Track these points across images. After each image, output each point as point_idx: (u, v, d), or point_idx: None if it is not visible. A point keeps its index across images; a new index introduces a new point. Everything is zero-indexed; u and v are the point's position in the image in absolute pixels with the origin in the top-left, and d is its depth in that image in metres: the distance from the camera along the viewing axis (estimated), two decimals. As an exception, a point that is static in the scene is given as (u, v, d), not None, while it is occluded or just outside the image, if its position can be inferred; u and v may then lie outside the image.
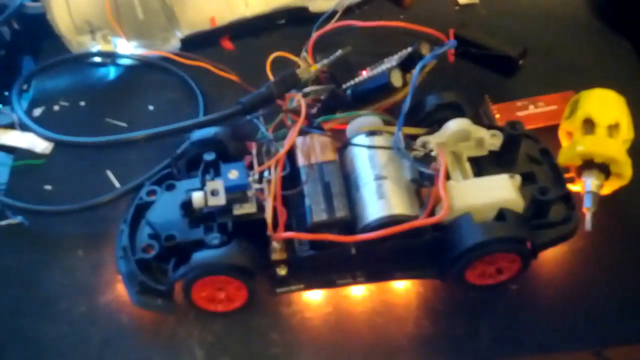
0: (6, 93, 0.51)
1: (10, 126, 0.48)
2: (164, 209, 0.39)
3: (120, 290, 0.39)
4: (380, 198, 0.36)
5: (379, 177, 0.37)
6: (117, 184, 0.44)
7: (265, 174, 0.37)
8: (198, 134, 0.41)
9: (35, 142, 0.47)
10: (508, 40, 0.50)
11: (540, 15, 0.54)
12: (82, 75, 0.52)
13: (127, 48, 0.52)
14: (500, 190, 0.36)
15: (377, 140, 0.39)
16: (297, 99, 0.40)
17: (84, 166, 0.46)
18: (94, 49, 0.52)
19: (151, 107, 0.49)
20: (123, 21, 0.51)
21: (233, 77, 0.49)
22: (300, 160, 0.38)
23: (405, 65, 0.43)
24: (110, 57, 0.52)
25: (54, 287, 0.40)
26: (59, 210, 0.42)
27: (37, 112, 0.49)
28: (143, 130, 0.45)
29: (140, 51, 0.52)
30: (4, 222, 0.43)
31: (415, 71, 0.38)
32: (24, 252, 0.42)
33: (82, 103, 0.50)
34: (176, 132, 0.44)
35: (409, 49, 0.43)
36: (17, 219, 0.43)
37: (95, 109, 0.50)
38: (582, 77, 0.46)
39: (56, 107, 0.50)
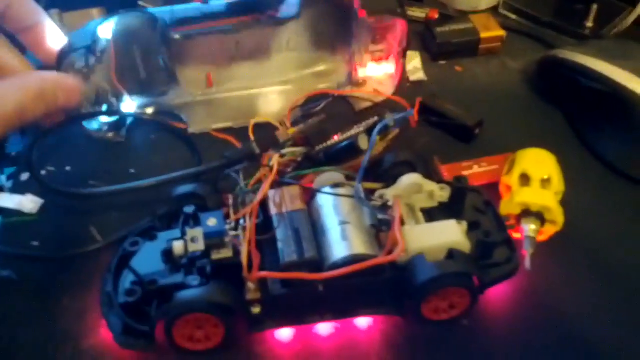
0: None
1: (0, 189, 0.52)
2: (147, 257, 0.42)
3: (104, 334, 0.42)
4: (344, 240, 0.40)
5: (342, 223, 0.41)
6: (99, 239, 0.48)
7: (241, 222, 0.42)
8: (179, 190, 0.45)
9: (24, 203, 0.50)
10: (466, 111, 0.56)
11: (482, 92, 0.61)
12: (69, 141, 0.56)
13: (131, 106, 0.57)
14: (449, 233, 0.41)
15: (341, 192, 0.44)
16: (273, 157, 0.45)
17: (70, 224, 0.49)
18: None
19: (132, 170, 0.54)
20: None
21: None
22: (273, 210, 0.43)
23: (372, 131, 0.48)
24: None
25: (40, 333, 0.42)
26: (45, 257, 0.46)
27: (24, 177, 0.53)
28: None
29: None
30: (-7, 276, 0.46)
31: (374, 132, 0.44)
32: (11, 302, 0.44)
33: (68, 168, 0.54)
34: (163, 184, 0.48)
35: (376, 118, 0.49)
36: (5, 273, 0.46)
37: (81, 174, 0.53)
38: (522, 141, 0.52)
39: (43, 172, 0.53)
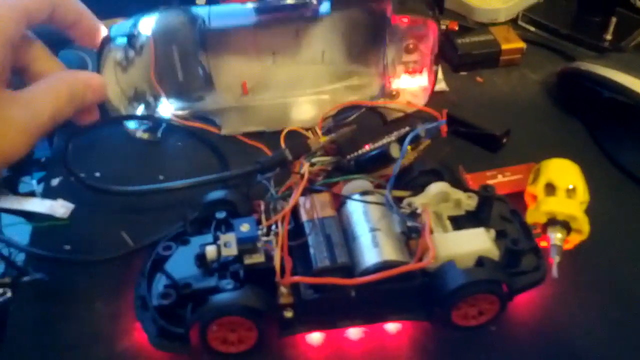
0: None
1: (31, 194, 0.53)
2: (180, 261, 0.43)
3: (137, 337, 0.43)
4: (375, 247, 0.41)
5: (373, 229, 0.42)
6: (130, 243, 0.48)
7: (272, 227, 0.42)
8: (210, 196, 0.46)
9: (55, 208, 0.51)
10: (489, 121, 0.57)
11: (503, 102, 0.62)
12: (98, 147, 0.57)
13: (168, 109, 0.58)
14: (478, 241, 0.42)
15: (369, 199, 0.44)
16: (304, 165, 0.45)
17: (101, 229, 0.50)
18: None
19: (161, 177, 0.54)
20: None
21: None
22: (304, 217, 0.44)
23: (403, 141, 0.49)
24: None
25: (73, 336, 0.43)
26: (78, 260, 0.47)
27: (55, 182, 0.54)
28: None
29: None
30: (26, 278, 0.46)
31: (405, 142, 0.45)
32: (44, 305, 0.45)
33: (97, 174, 0.55)
34: (196, 186, 0.49)
35: (407, 128, 0.50)
36: (38, 275, 0.46)
37: (109, 180, 0.54)
38: (543, 151, 0.53)
39: (72, 178, 0.54)
